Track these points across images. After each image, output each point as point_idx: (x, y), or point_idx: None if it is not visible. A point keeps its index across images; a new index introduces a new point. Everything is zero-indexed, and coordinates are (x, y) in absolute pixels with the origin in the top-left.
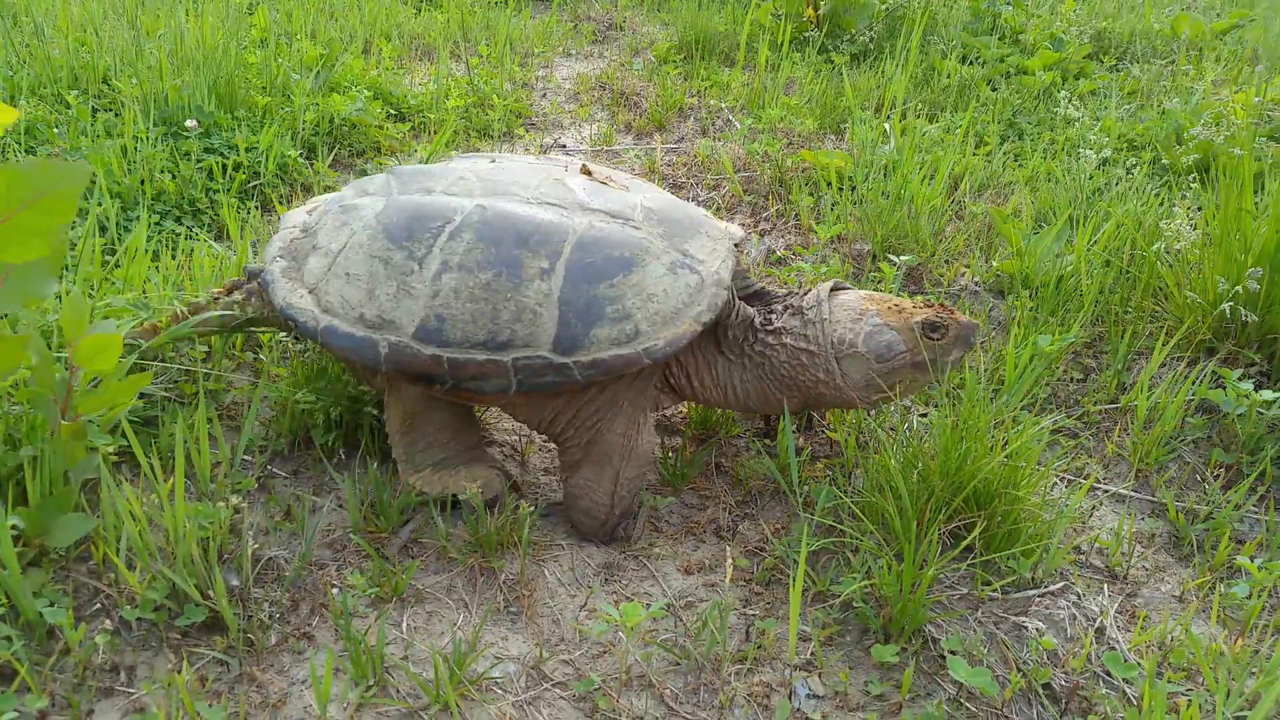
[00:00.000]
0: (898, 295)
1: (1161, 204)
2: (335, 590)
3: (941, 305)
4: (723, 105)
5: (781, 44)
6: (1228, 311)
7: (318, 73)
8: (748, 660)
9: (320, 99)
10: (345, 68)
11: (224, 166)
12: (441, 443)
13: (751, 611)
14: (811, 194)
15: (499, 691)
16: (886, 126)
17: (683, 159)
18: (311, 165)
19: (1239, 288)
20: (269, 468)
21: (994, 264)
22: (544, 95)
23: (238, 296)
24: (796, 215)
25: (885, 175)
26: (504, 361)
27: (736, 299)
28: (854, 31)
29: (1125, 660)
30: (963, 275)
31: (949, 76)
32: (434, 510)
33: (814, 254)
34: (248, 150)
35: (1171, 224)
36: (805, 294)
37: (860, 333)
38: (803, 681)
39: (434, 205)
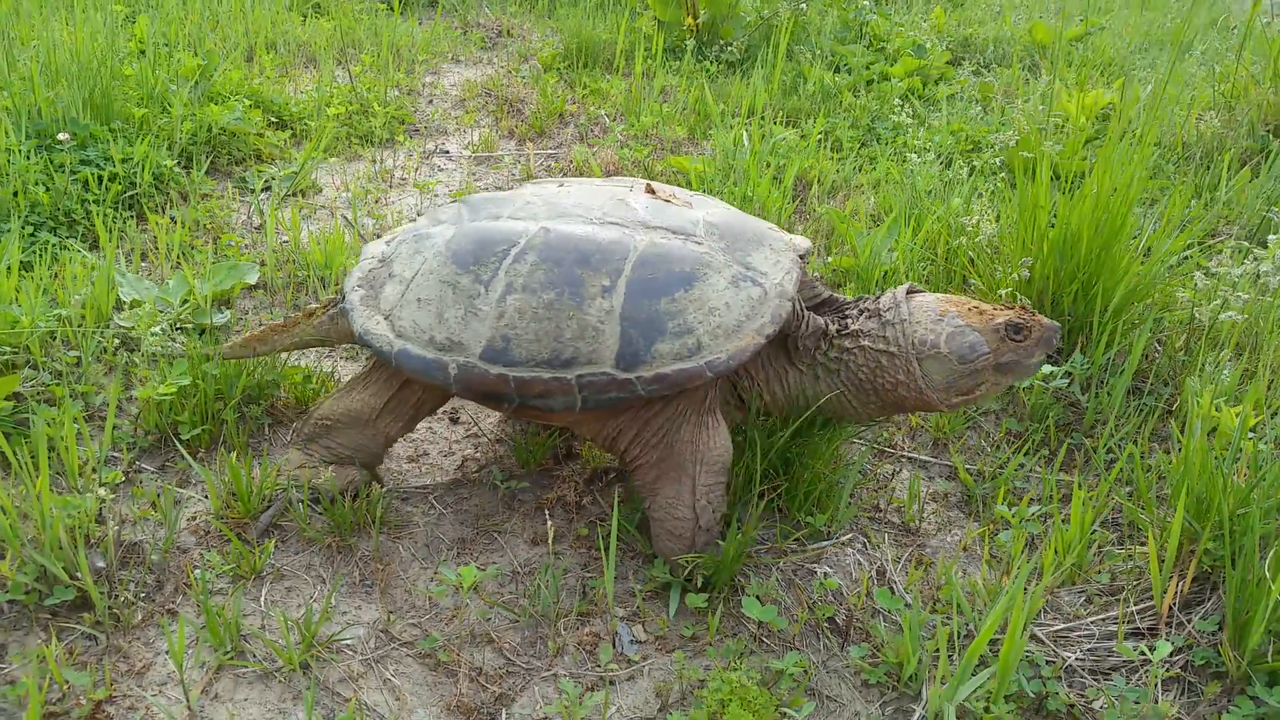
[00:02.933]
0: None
1: (975, 201)
2: (197, 571)
3: (1023, 307)
4: (601, 112)
5: (656, 52)
6: (1005, 296)
7: (196, 83)
8: (581, 615)
9: (198, 109)
10: (224, 77)
11: (99, 178)
12: (343, 446)
13: (589, 574)
14: None
15: (349, 652)
16: (744, 134)
17: (559, 165)
18: (189, 174)
19: (1014, 275)
20: (137, 463)
21: (829, 260)
22: (430, 101)
23: (331, 313)
24: None
25: (742, 179)
26: (568, 379)
27: (804, 310)
28: (730, 40)
29: (895, 595)
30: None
31: (814, 84)
32: (293, 494)
33: None
34: (123, 161)
35: (973, 219)
36: (879, 298)
37: (942, 334)
38: (625, 627)
39: (500, 230)
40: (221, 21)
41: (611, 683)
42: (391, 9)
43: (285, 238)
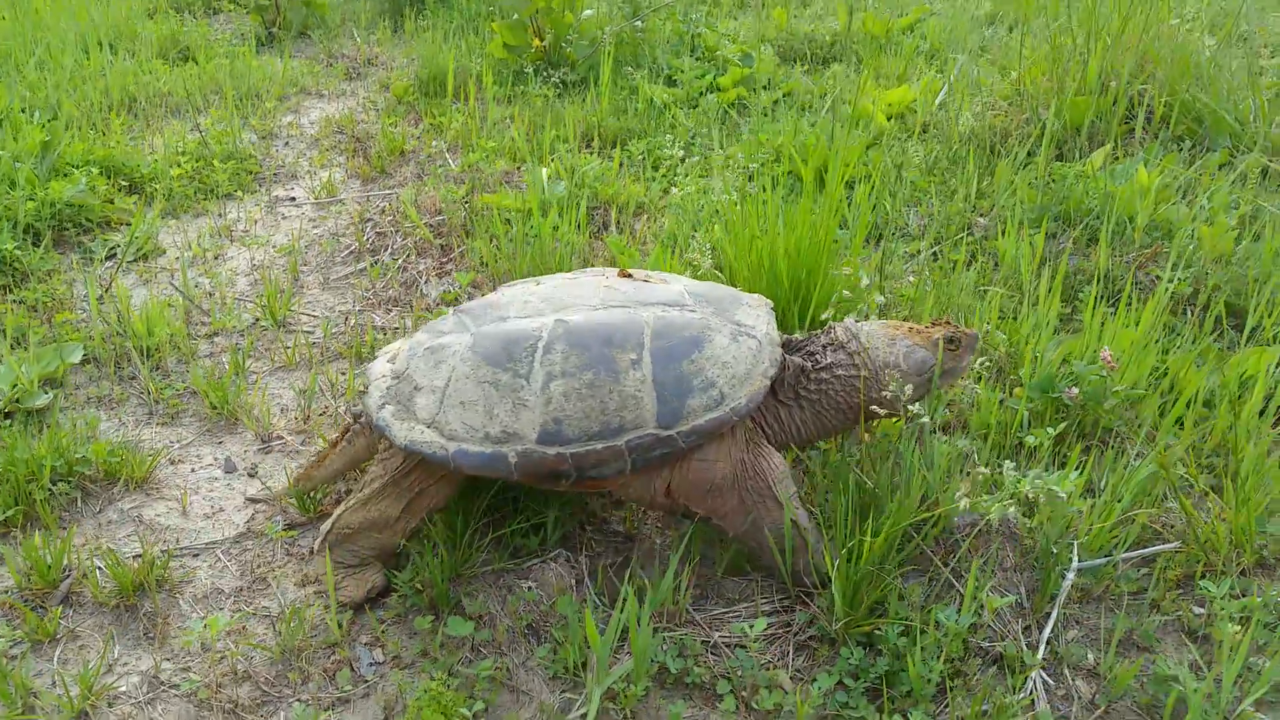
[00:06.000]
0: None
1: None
2: None
3: (948, 322)
4: (443, 146)
5: (486, 82)
6: None
7: (41, 157)
8: (329, 645)
9: (40, 187)
10: (69, 149)
11: None
12: (364, 548)
13: (341, 610)
14: (491, 236)
15: (124, 698)
16: (544, 172)
17: (392, 205)
18: (33, 252)
19: None
20: None
21: None
22: (286, 143)
23: (349, 437)
24: (480, 256)
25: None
26: (619, 445)
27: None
28: (574, 60)
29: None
30: None
31: (643, 102)
32: (86, 563)
33: (481, 289)
34: None
35: (698, 254)
36: (831, 332)
37: (899, 354)
38: (366, 651)
39: (520, 328)
40: (83, 81)
41: (347, 701)
42: (261, 40)
43: (116, 308)
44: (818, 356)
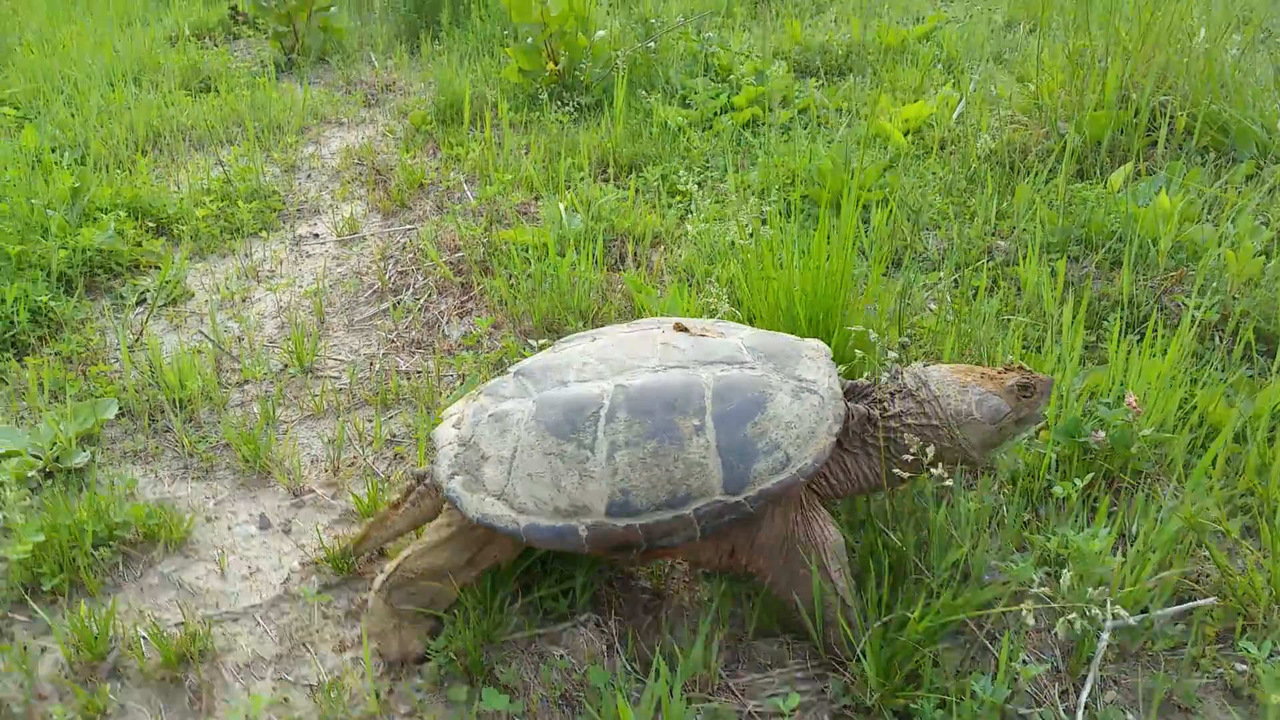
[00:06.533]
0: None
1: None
2: None
3: (1021, 367)
4: (460, 176)
5: (501, 112)
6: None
7: (71, 204)
8: (369, 715)
9: (72, 235)
10: (96, 194)
11: None
12: (424, 594)
13: (392, 677)
14: (509, 274)
15: None
16: (562, 207)
17: (411, 242)
18: (67, 301)
19: None
20: (8, 615)
21: None
22: (308, 176)
23: (412, 499)
24: (500, 294)
25: (575, 249)
26: (687, 514)
27: (846, 403)
28: (589, 83)
29: (604, 669)
30: None
31: (657, 126)
32: (130, 633)
33: (495, 326)
34: (0, 301)
35: (712, 297)
36: (897, 377)
37: (971, 402)
38: None
39: (580, 396)
40: (109, 117)
41: None
42: (280, 67)
43: (147, 357)
44: (885, 405)
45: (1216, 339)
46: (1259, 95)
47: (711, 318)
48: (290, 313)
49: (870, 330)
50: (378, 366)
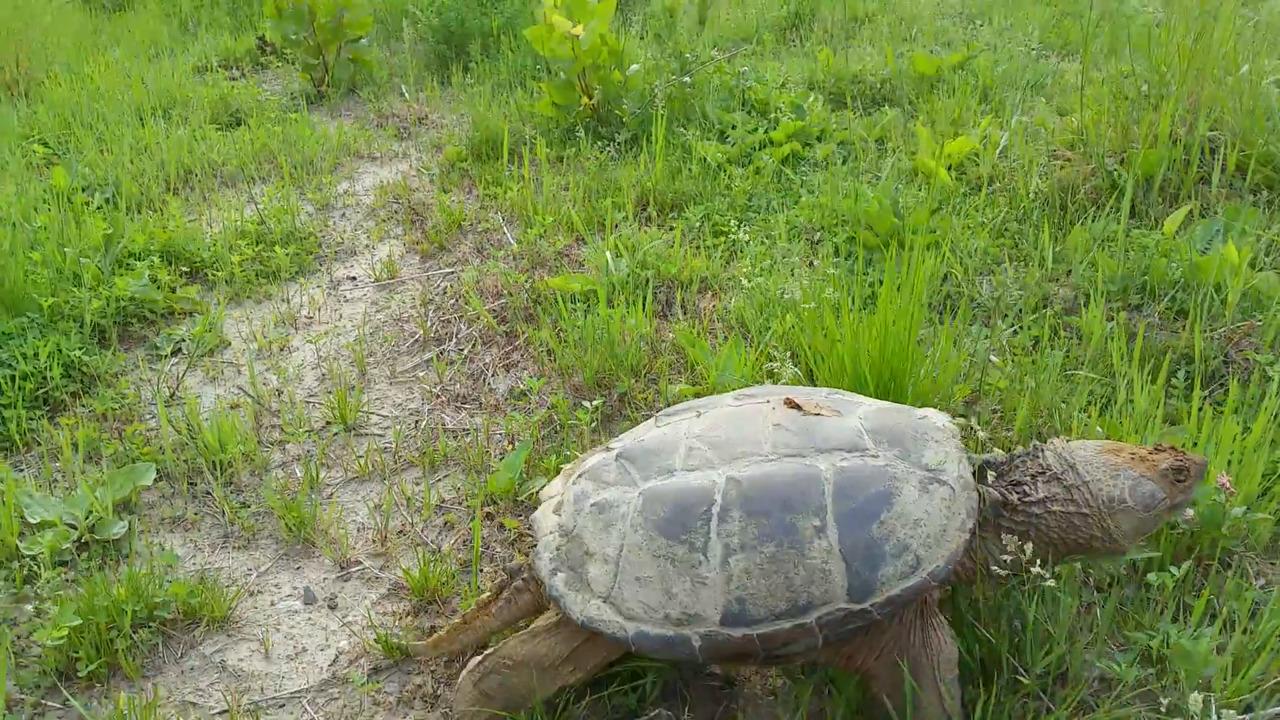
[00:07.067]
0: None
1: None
2: None
3: (1172, 448)
4: (499, 217)
5: (540, 154)
6: None
7: (104, 251)
8: None
9: (105, 285)
10: (130, 239)
11: (11, 378)
12: (519, 685)
13: None
14: (556, 325)
15: None
16: (608, 254)
17: (452, 287)
18: (101, 353)
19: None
20: (42, 703)
21: (678, 388)
22: (343, 215)
23: (507, 596)
24: (547, 345)
25: (611, 301)
26: (809, 623)
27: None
28: (624, 117)
29: None
30: (658, 400)
31: (696, 163)
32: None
33: (544, 384)
34: (34, 357)
35: (777, 362)
36: (1036, 459)
37: (1124, 488)
38: None
39: (689, 490)
40: (139, 154)
41: None
42: (310, 98)
43: (184, 414)
44: (1025, 488)
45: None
46: None
47: (775, 382)
48: (330, 363)
49: (974, 422)
50: (423, 424)
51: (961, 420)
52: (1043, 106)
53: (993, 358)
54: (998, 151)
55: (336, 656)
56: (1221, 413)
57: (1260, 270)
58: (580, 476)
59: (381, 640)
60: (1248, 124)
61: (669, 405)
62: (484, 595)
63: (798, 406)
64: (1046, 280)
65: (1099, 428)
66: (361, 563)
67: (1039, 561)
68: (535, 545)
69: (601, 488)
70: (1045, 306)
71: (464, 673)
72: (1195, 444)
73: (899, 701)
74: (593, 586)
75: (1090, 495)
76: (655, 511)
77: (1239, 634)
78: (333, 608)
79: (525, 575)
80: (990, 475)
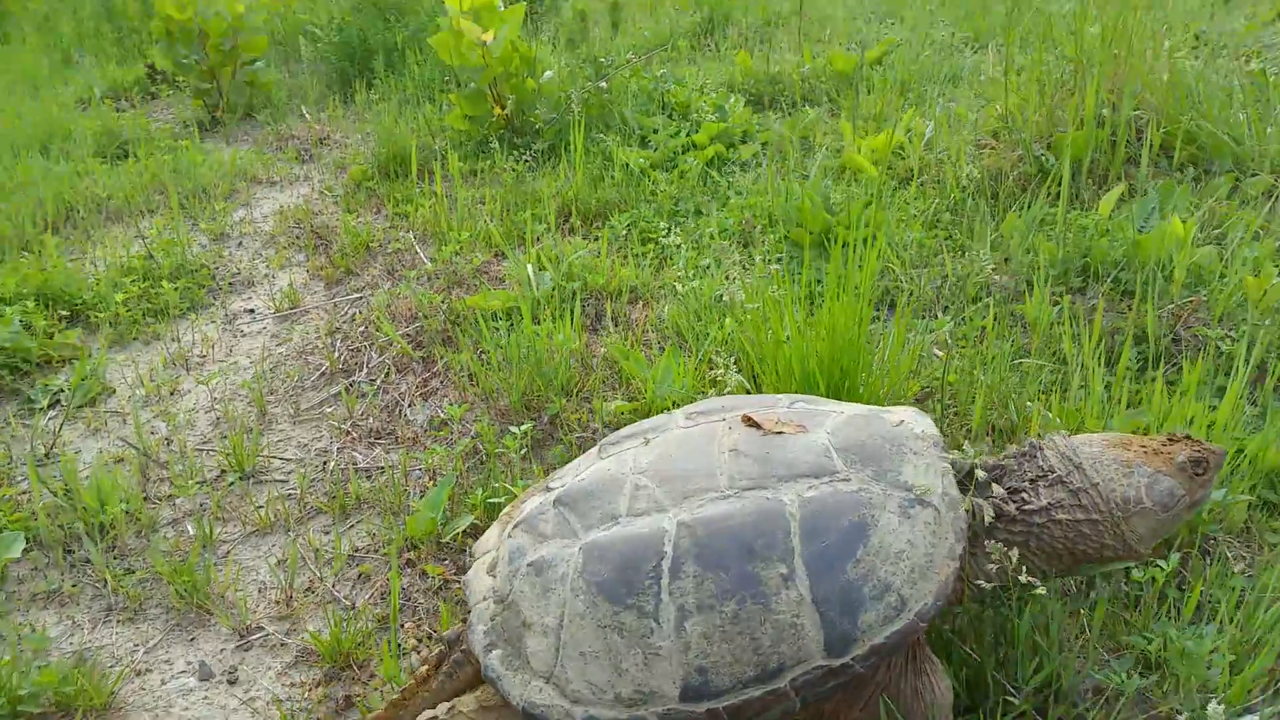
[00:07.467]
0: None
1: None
2: None
3: (1188, 437)
4: (411, 236)
5: (451, 166)
6: None
7: None
8: None
9: None
10: (1, 284)
11: None
12: None
13: None
14: (477, 345)
15: None
16: (530, 267)
17: (361, 313)
18: None
19: None
20: None
21: (613, 405)
22: (239, 244)
23: (447, 669)
24: (468, 369)
25: (536, 317)
26: (782, 688)
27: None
28: (540, 125)
29: None
30: (592, 419)
31: (619, 170)
32: None
33: (466, 411)
34: None
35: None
36: (1035, 460)
37: (1139, 486)
38: None
39: (636, 541)
40: (13, 191)
41: None
42: (204, 126)
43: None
44: (1025, 495)
45: (1235, 372)
46: (1225, 107)
47: (720, 392)
48: (226, 405)
49: (966, 447)
50: (332, 465)
51: (967, 450)
52: (964, 97)
53: (937, 351)
54: (924, 142)
55: None
56: (1179, 392)
57: (1199, 246)
58: (516, 527)
59: (287, 718)
60: (1170, 102)
61: (604, 426)
62: (422, 670)
63: (757, 425)
64: (987, 270)
65: (1057, 418)
66: (264, 628)
67: (1039, 574)
68: (469, 614)
69: (538, 542)
70: (987, 295)
71: None
72: (1161, 426)
73: None
74: (533, 664)
75: (1100, 498)
76: (598, 571)
77: (1233, 629)
78: (232, 683)
79: (465, 646)
80: (980, 475)
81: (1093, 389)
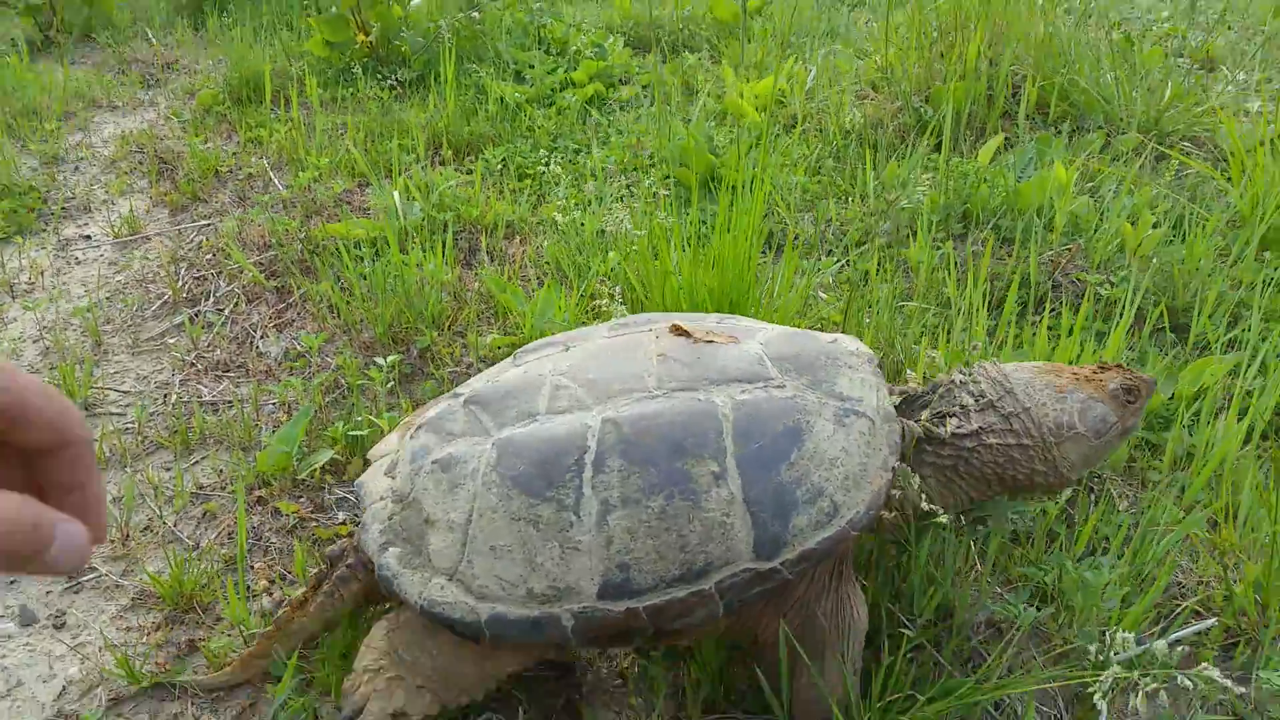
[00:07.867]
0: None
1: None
2: None
3: (1119, 366)
4: (265, 162)
5: (310, 90)
6: None
7: None
8: None
9: None
10: None
11: None
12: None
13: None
14: (338, 275)
15: None
16: (396, 195)
17: (209, 240)
18: None
19: None
20: None
21: (490, 339)
22: (75, 169)
23: (328, 589)
24: (328, 300)
25: (404, 247)
26: (707, 590)
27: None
28: (408, 56)
29: None
30: (466, 354)
31: (493, 103)
32: None
33: (326, 341)
34: None
35: (608, 284)
36: (966, 386)
37: (1072, 411)
38: None
39: (557, 436)
40: None
41: None
42: (36, 46)
43: None
44: (958, 419)
45: (1118, 317)
46: (1095, 68)
47: (606, 321)
48: (56, 334)
49: (931, 351)
50: (174, 398)
51: (932, 355)
52: (843, 51)
53: (822, 294)
54: (805, 90)
55: (64, 688)
56: (1059, 335)
57: (1076, 197)
58: (419, 429)
59: (122, 664)
60: (1044, 60)
61: (479, 360)
62: (300, 592)
63: (686, 334)
64: (868, 215)
65: (942, 357)
66: (96, 569)
67: (966, 501)
68: (361, 516)
69: (446, 440)
70: (869, 241)
71: (376, 623)
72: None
73: (782, 673)
74: (435, 561)
75: (1032, 423)
76: (513, 465)
77: (1122, 564)
78: (59, 628)
79: (350, 561)
80: (909, 403)
81: (975, 332)
